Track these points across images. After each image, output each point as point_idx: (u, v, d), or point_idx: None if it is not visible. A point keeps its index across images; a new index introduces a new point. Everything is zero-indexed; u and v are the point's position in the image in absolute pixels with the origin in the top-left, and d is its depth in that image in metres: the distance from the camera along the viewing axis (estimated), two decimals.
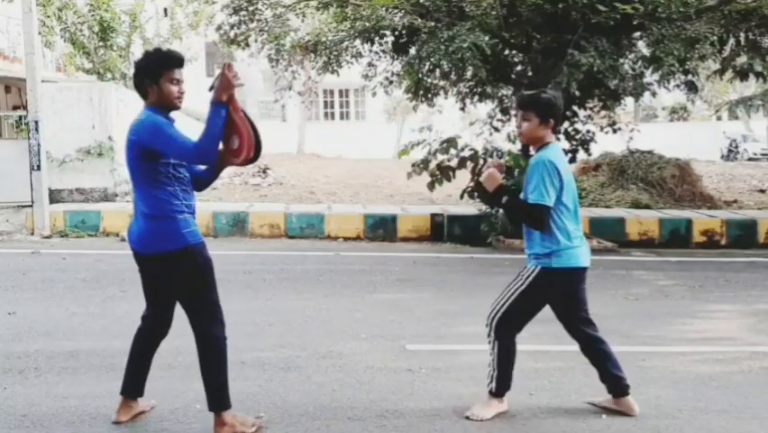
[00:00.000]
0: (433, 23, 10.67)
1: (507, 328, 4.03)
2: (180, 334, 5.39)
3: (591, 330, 4.10)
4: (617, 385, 4.11)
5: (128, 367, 3.92)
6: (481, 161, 10.41)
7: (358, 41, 12.21)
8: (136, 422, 3.89)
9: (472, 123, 12.28)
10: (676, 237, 10.80)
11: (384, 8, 10.97)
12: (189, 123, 19.77)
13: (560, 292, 4.00)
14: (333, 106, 34.68)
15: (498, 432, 3.91)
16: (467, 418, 4.02)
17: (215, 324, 3.70)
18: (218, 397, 3.71)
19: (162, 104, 3.57)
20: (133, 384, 3.91)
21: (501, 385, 4.08)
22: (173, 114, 3.65)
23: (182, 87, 3.59)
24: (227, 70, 3.42)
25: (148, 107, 3.60)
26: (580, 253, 3.94)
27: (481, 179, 4.03)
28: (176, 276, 3.66)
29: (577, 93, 10.10)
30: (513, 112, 3.96)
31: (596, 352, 4.11)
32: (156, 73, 3.54)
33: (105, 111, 12.60)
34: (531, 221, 3.90)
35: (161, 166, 3.53)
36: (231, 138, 3.56)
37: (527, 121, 3.93)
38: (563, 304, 4.07)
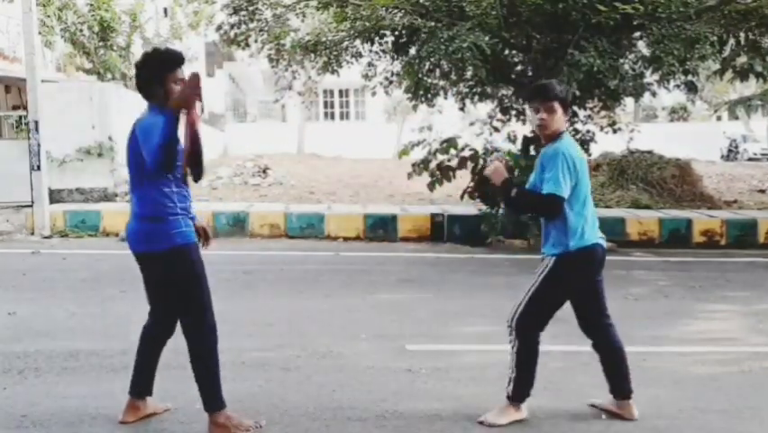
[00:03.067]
0: (433, 23, 10.67)
1: (527, 327, 3.93)
2: (180, 335, 5.39)
3: (610, 331, 4.07)
4: (620, 387, 4.08)
5: (135, 367, 3.94)
6: (481, 161, 10.42)
7: (358, 41, 12.21)
8: (136, 422, 3.89)
9: (472, 123, 12.29)
10: (676, 237, 10.79)
11: (384, 8, 10.96)
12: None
13: (577, 276, 3.91)
14: (333, 106, 34.67)
15: (498, 432, 3.91)
16: (480, 423, 3.93)
17: (203, 326, 3.72)
18: (209, 398, 3.74)
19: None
20: (139, 384, 3.92)
21: (519, 390, 3.95)
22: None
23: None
24: (192, 80, 3.32)
25: (152, 108, 3.60)
26: (597, 237, 3.96)
27: (487, 172, 3.99)
28: (164, 276, 3.70)
29: (577, 93, 10.10)
30: (528, 106, 3.85)
31: (609, 352, 4.08)
32: (160, 75, 3.56)
33: (105, 111, 12.60)
34: (543, 209, 3.88)
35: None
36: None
37: (552, 112, 3.85)
38: (581, 291, 3.97)
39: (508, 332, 3.98)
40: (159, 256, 3.64)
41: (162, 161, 3.37)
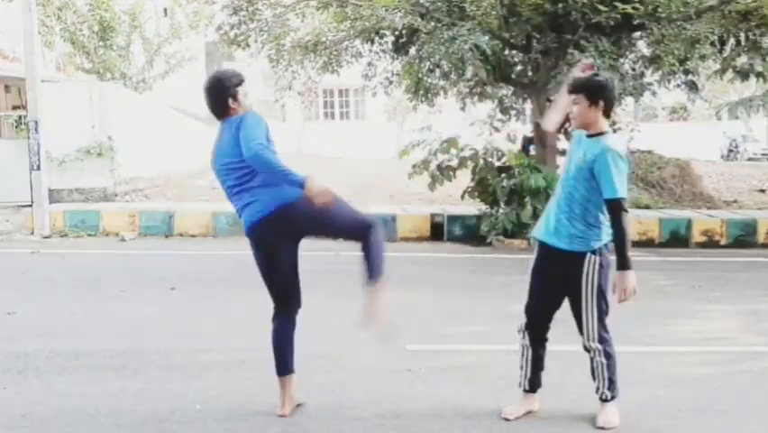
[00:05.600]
0: (433, 24, 10.67)
1: (607, 332, 3.99)
2: (180, 334, 5.38)
3: None
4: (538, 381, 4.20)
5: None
6: (481, 161, 10.41)
7: (358, 41, 12.22)
8: (136, 422, 3.89)
9: (472, 123, 12.29)
10: (676, 237, 10.79)
11: (384, 8, 10.96)
12: (189, 122, 19.71)
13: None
14: (333, 106, 34.66)
15: (498, 432, 3.91)
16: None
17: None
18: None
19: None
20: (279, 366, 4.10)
21: (611, 388, 4.02)
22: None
23: (249, 98, 4.03)
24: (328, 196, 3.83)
25: (227, 120, 3.95)
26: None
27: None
28: None
29: None
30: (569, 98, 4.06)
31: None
32: (235, 92, 3.95)
33: (104, 111, 12.59)
34: (626, 216, 3.84)
35: None
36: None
37: (577, 104, 3.93)
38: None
39: (590, 348, 3.98)
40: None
41: (264, 167, 3.79)
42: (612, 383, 4.00)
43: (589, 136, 3.95)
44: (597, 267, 3.92)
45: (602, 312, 3.96)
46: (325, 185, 3.82)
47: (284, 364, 4.01)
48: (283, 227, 3.89)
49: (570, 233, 3.92)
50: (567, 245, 3.92)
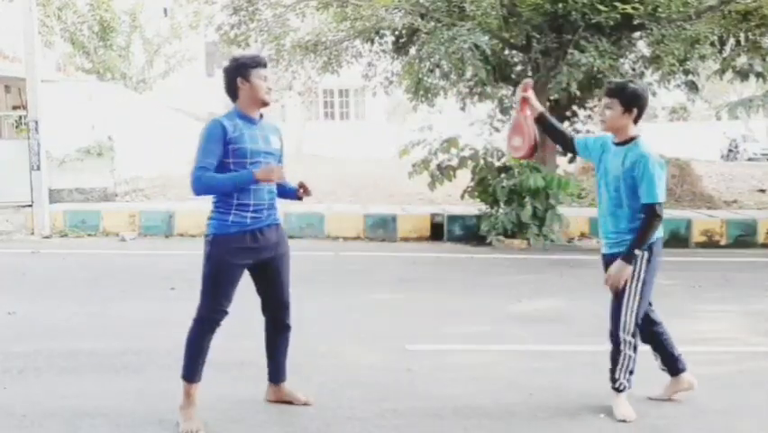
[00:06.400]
0: (433, 24, 10.68)
1: (638, 327, 4.05)
2: (180, 334, 5.38)
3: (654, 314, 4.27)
4: (676, 365, 4.29)
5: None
6: (482, 161, 10.42)
7: (358, 41, 12.23)
8: (136, 422, 3.89)
9: (472, 123, 12.30)
10: (676, 237, 10.77)
11: (384, 8, 10.97)
12: (189, 123, 19.72)
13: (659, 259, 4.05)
14: (333, 106, 34.63)
15: (498, 432, 3.91)
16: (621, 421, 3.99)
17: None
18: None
19: (254, 98, 3.83)
20: (269, 371, 4.27)
21: (629, 380, 4.08)
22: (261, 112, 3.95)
23: (270, 83, 3.88)
24: (278, 173, 3.93)
25: (236, 108, 3.88)
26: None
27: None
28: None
29: (577, 93, 10.12)
30: (599, 102, 4.19)
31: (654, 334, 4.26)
32: (247, 71, 3.82)
33: (104, 111, 12.60)
34: (657, 221, 3.90)
35: (224, 164, 3.79)
36: (513, 137, 4.24)
37: (610, 109, 3.98)
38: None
39: (615, 340, 4.05)
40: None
41: (199, 192, 3.77)
42: (631, 376, 4.08)
43: (618, 144, 4.03)
44: (645, 262, 3.99)
45: (641, 307, 4.02)
46: (271, 167, 3.88)
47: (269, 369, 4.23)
48: None
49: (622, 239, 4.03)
50: (617, 249, 4.04)
